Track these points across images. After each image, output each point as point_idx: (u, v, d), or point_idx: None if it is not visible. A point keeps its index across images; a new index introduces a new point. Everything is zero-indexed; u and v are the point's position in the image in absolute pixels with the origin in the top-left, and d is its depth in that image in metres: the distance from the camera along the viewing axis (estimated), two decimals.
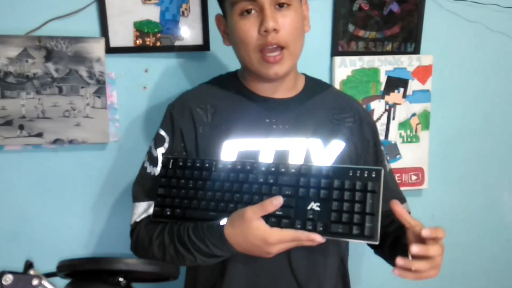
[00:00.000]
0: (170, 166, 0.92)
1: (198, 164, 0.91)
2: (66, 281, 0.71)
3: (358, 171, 0.83)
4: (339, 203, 0.82)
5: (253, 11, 0.90)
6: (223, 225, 0.85)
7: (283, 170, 0.86)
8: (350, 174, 0.83)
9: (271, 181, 0.86)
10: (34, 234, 1.25)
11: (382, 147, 1.07)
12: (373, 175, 0.82)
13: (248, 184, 0.87)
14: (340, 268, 1.04)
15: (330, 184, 0.83)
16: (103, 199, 1.28)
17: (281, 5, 0.90)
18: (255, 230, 0.81)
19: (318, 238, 0.80)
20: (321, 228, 0.81)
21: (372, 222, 0.80)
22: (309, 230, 0.81)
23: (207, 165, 0.90)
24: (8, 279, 0.61)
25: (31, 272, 0.64)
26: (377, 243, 0.79)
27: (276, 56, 0.91)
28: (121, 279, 0.70)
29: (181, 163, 0.92)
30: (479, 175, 1.57)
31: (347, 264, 1.06)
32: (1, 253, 1.23)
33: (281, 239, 0.81)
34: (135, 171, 1.01)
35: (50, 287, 0.64)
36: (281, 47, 0.91)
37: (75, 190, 1.26)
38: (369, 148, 1.04)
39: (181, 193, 0.91)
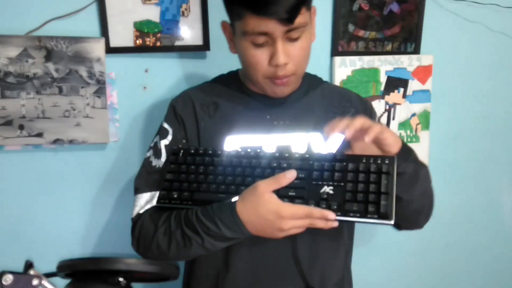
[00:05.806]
0: (181, 154, 0.93)
1: (210, 151, 0.92)
2: (66, 281, 0.71)
3: (372, 158, 0.83)
4: (354, 184, 0.81)
5: (264, 41, 0.88)
6: (234, 201, 0.82)
7: (296, 156, 0.87)
8: (364, 161, 0.84)
9: (285, 165, 0.85)
10: (34, 234, 1.25)
11: None
12: (387, 161, 0.83)
13: (260, 169, 0.87)
14: (346, 263, 1.04)
15: (344, 167, 0.83)
16: (103, 199, 1.28)
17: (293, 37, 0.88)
18: (268, 204, 0.79)
19: (332, 215, 0.78)
20: (335, 207, 0.80)
21: (387, 200, 0.79)
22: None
23: (219, 152, 0.91)
24: (8, 279, 0.61)
25: (31, 272, 0.64)
26: (392, 223, 0.77)
27: (283, 80, 0.92)
28: (121, 279, 0.70)
29: (192, 151, 0.93)
30: (479, 175, 1.57)
31: (349, 261, 1.07)
32: (1, 253, 1.23)
33: (294, 213, 0.79)
34: (135, 171, 1.01)
35: (50, 287, 0.64)
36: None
37: (75, 190, 1.26)
38: None
39: (190, 178, 0.90)
